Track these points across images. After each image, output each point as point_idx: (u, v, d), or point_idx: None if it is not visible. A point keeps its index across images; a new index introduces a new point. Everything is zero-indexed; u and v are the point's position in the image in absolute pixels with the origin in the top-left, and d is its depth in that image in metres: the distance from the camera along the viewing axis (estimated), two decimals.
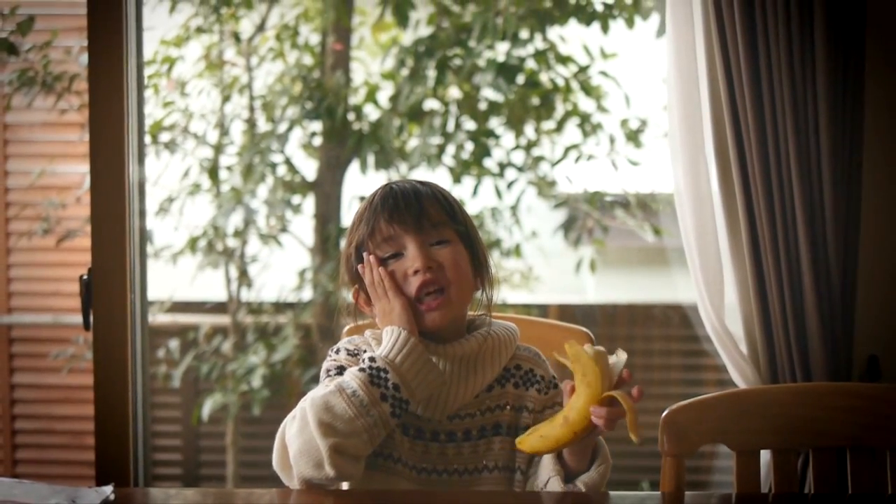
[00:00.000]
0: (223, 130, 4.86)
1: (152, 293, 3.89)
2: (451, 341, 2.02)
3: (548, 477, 1.95)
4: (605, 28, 4.63)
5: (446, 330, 2.02)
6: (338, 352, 2.06)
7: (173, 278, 4.73)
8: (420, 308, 1.99)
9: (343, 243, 2.10)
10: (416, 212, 2.01)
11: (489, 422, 2.03)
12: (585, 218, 4.73)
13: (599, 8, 4.64)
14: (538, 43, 4.72)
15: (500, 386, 2.05)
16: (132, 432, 3.00)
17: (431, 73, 4.61)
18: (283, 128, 4.79)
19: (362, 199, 2.10)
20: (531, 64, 4.72)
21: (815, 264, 2.59)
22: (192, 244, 4.75)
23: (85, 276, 2.92)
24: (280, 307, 4.73)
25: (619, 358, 1.85)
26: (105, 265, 2.90)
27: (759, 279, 2.64)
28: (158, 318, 4.74)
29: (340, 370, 2.00)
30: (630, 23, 4.64)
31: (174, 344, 4.82)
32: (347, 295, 2.13)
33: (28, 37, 4.24)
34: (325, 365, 2.05)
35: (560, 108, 4.75)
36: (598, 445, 1.96)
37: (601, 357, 1.83)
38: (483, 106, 4.72)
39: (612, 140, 4.70)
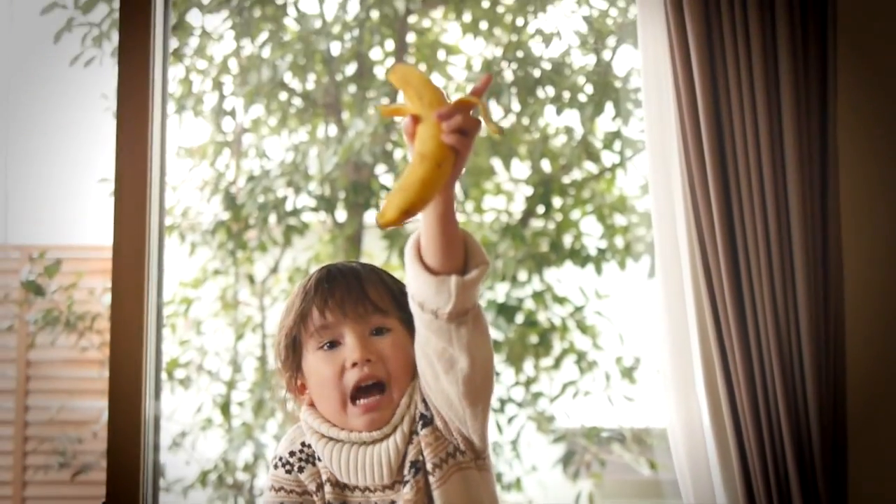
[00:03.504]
0: (236, 367, 4.87)
1: None
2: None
3: (417, 273, 1.66)
4: (598, 270, 4.70)
5: None
6: (276, 466, 1.88)
7: None
8: (353, 409, 1.80)
9: (276, 331, 1.91)
10: (354, 298, 1.81)
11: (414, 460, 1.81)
12: (583, 452, 4.70)
13: (593, 251, 4.73)
14: (536, 284, 4.79)
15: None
16: None
17: None
18: None
19: None
20: (529, 304, 4.77)
21: (805, 497, 2.57)
22: (203, 478, 4.70)
23: None
24: None
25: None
26: (119, 499, 2.87)
27: None
28: None
29: None
30: (622, 265, 4.71)
31: None
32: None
33: (54, 279, 4.31)
34: (275, 486, 1.88)
35: (557, 346, 4.77)
36: (470, 244, 1.68)
37: (424, 76, 1.57)
38: None
39: (607, 377, 4.71)
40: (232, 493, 4.73)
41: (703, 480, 2.68)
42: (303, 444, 1.88)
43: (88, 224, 4.64)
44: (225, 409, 4.77)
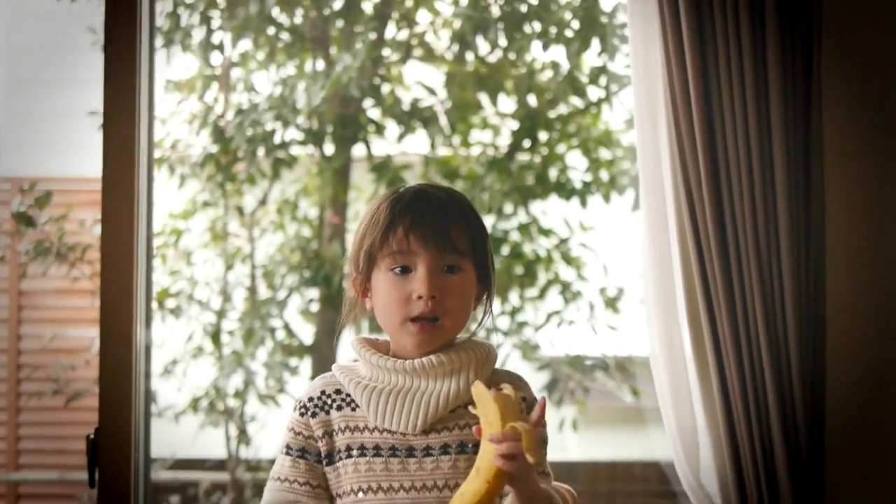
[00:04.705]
0: (226, 297, 4.88)
1: (155, 451, 3.85)
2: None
3: None
4: (583, 203, 4.70)
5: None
6: (294, 409, 1.94)
7: (176, 436, 4.69)
8: (410, 327, 1.85)
9: (357, 233, 1.92)
10: (438, 234, 1.84)
11: (467, 437, 1.83)
12: (567, 380, 4.73)
13: (578, 185, 4.72)
14: (521, 216, 4.79)
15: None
16: None
17: None
18: (282, 295, 4.82)
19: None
20: (515, 236, 4.77)
21: (785, 425, 2.58)
22: (195, 404, 4.72)
23: (91, 435, 2.90)
24: None
25: (508, 392, 1.72)
26: (111, 425, 2.88)
27: (731, 438, 2.62)
28: (161, 474, 4.68)
29: (301, 452, 1.89)
30: (607, 198, 4.71)
31: (176, 499, 4.76)
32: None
33: (45, 210, 4.29)
34: (289, 426, 1.93)
35: (542, 277, 4.78)
36: (553, 500, 1.78)
37: (502, 396, 1.69)
38: None
39: (591, 307, 4.73)
40: (222, 418, 4.75)
41: (684, 407, 2.70)
42: (323, 392, 1.92)
43: (78, 156, 4.60)
44: (215, 337, 4.78)
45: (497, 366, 1.96)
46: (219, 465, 4.84)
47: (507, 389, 1.73)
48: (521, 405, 1.73)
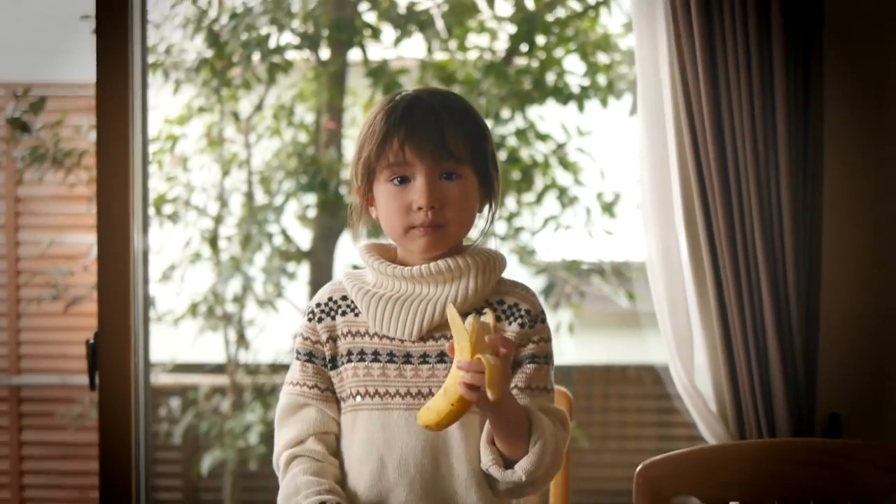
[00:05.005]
0: (223, 203, 4.87)
1: (155, 355, 3.88)
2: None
3: (486, 465, 1.81)
4: (581, 107, 4.66)
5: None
6: (310, 318, 1.94)
7: (175, 341, 4.71)
8: (415, 231, 1.85)
9: (356, 144, 1.91)
10: (433, 143, 1.82)
11: None
12: (564, 284, 4.74)
13: (576, 89, 4.68)
14: (519, 121, 4.75)
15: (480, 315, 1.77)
16: (135, 487, 2.98)
17: None
18: (279, 200, 4.80)
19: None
20: (512, 141, 4.74)
21: (779, 328, 2.60)
22: (193, 309, 4.73)
23: (91, 340, 2.91)
24: (276, 368, 4.72)
25: (487, 319, 1.71)
26: (110, 329, 2.90)
27: (726, 341, 2.64)
28: (161, 378, 4.72)
29: (309, 356, 1.93)
30: (604, 103, 4.67)
31: (175, 403, 4.80)
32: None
33: (40, 116, 4.26)
34: (298, 332, 1.95)
35: (539, 182, 4.77)
36: (534, 422, 1.79)
37: (477, 325, 1.68)
38: None
39: (588, 212, 4.72)
40: (221, 323, 4.78)
41: (679, 311, 2.71)
42: (330, 298, 1.94)
43: (72, 61, 4.56)
44: (213, 243, 4.78)
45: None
46: (218, 368, 4.88)
47: (488, 317, 1.73)
48: (497, 331, 1.75)
